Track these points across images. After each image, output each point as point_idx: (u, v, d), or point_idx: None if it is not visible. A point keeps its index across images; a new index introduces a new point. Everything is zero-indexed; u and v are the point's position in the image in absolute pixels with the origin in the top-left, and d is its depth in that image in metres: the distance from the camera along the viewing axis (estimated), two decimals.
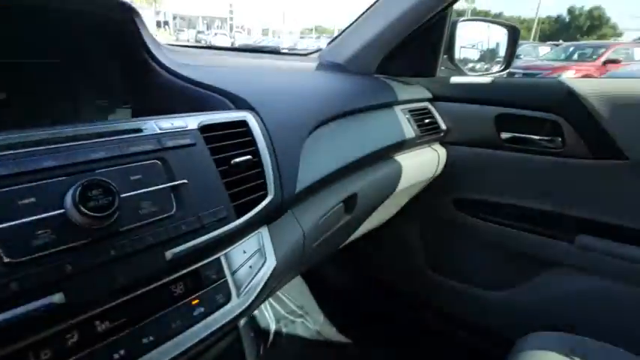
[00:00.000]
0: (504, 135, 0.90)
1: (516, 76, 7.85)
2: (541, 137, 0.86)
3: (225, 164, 0.42)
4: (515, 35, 1.05)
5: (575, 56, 8.53)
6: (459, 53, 1.02)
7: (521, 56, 10.09)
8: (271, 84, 0.64)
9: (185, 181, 0.37)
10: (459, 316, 1.08)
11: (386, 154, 0.77)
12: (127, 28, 0.51)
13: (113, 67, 0.56)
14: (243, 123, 0.47)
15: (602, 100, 0.78)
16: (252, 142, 0.47)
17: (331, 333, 1.16)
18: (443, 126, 0.94)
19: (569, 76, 7.56)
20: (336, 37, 1.02)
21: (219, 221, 0.39)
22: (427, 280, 1.11)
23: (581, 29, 38.68)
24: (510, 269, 0.97)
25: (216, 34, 24.11)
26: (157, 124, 0.39)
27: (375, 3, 0.92)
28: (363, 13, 0.95)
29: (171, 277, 0.37)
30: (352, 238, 0.86)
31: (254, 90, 0.56)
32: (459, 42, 0.99)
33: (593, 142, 0.79)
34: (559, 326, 0.78)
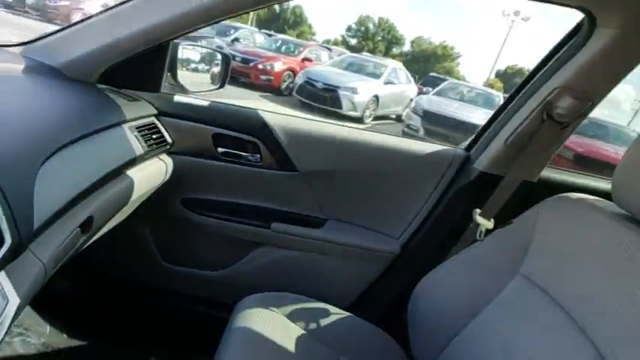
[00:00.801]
0: (220, 149, 1.13)
1: (237, 59, 8.61)
2: (246, 153, 1.14)
3: None
4: (227, 61, 1.27)
5: (283, 49, 10.09)
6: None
7: (241, 40, 11.07)
8: None
9: None
10: (194, 295, 1.27)
11: (118, 172, 0.84)
12: None
13: None
14: None
15: (282, 130, 1.12)
16: None
17: (61, 341, 1.13)
18: (169, 139, 1.07)
19: (279, 67, 8.95)
20: (52, 34, 0.94)
21: None
22: (162, 271, 1.24)
23: (288, 22, 45.38)
24: (229, 252, 1.24)
25: None
26: None
27: (115, 8, 0.89)
28: (95, 15, 0.91)
29: None
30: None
31: None
32: (180, 62, 1.13)
33: (279, 158, 1.13)
34: (267, 288, 1.09)
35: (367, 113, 8.01)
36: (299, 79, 8.27)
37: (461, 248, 1.04)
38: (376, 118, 8.38)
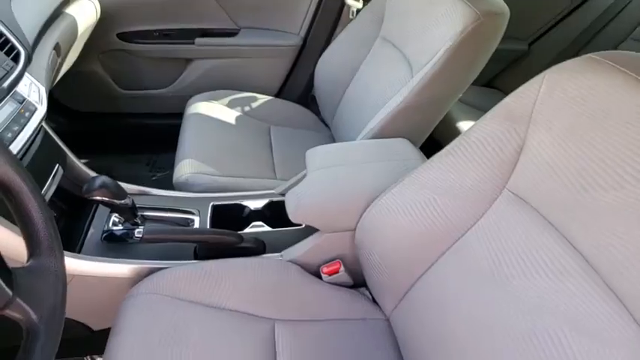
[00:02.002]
0: None
1: None
2: None
3: None
4: None
5: None
6: None
7: None
8: None
9: None
10: (153, 113, 1.64)
11: (60, 10, 1.08)
12: None
13: None
14: None
15: None
16: None
17: None
18: None
19: None
20: None
21: (12, 68, 0.74)
22: (122, 96, 1.57)
23: None
24: (169, 71, 1.56)
25: None
26: None
27: None
28: None
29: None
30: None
31: None
32: None
33: None
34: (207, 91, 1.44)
35: None
36: None
37: (341, 29, 1.40)
38: None
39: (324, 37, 1.54)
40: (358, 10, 1.41)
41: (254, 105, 1.46)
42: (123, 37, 1.45)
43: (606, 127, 0.51)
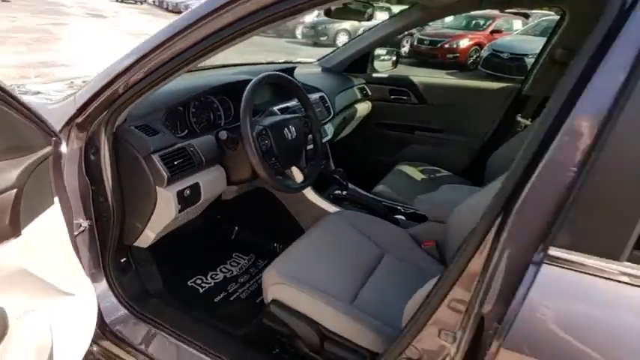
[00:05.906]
0: (392, 97, 2.44)
1: (425, 42, 9.71)
2: (405, 97, 2.42)
3: None
4: (397, 52, 2.55)
5: (472, 25, 10.43)
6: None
7: (430, 23, 11.85)
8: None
9: None
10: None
11: (353, 105, 2.25)
12: None
13: None
14: None
15: (420, 82, 2.35)
16: None
17: None
18: (369, 93, 2.43)
19: (465, 44, 9.52)
20: (329, 54, 2.43)
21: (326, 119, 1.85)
22: None
23: None
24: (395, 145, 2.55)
25: None
26: None
27: (356, 38, 2.35)
28: (344, 45, 2.37)
29: None
30: None
31: None
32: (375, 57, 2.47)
33: (419, 96, 2.36)
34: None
35: None
36: (484, 53, 8.68)
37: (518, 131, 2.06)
38: None
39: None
40: (526, 126, 2.03)
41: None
42: (378, 125, 2.55)
43: None
